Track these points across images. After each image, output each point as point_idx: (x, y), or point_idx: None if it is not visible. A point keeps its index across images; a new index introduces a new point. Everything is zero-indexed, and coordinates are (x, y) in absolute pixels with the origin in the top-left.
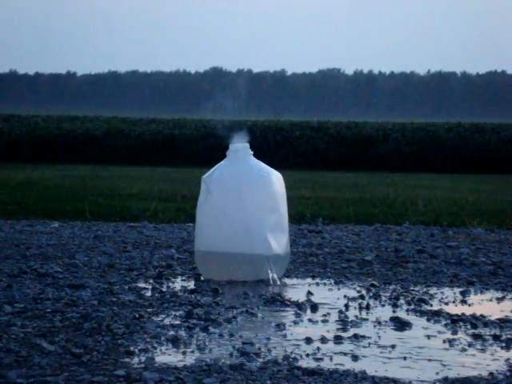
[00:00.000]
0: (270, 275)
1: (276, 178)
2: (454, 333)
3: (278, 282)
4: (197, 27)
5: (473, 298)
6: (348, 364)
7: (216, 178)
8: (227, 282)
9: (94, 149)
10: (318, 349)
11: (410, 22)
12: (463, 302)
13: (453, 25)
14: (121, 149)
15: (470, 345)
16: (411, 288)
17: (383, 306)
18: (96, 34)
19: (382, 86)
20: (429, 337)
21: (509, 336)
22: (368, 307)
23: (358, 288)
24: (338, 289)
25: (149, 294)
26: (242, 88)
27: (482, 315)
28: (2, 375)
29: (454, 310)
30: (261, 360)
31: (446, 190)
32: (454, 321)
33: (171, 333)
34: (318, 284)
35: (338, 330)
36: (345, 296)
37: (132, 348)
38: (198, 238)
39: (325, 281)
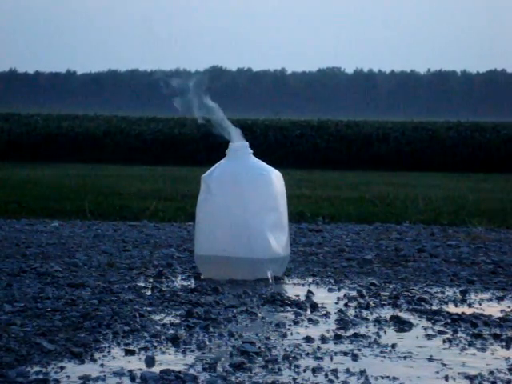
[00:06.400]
0: (269, 275)
1: (276, 177)
2: (454, 332)
3: (274, 282)
4: (196, 26)
5: (473, 297)
6: (348, 363)
7: (216, 177)
8: (227, 282)
9: (94, 148)
10: (318, 348)
11: (409, 20)
12: (463, 301)
13: (453, 23)
14: (121, 148)
15: (470, 344)
16: (411, 287)
17: (383, 305)
18: (96, 32)
19: (381, 85)
20: (429, 336)
21: (509, 335)
22: (368, 306)
23: (358, 287)
24: (338, 288)
25: (149, 293)
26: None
27: (482, 314)
28: (1, 374)
29: (454, 309)
30: (261, 359)
31: (446, 188)
32: (454, 320)
33: (171, 332)
34: (317, 283)
35: (338, 329)
36: (345, 295)
37: (132, 347)
38: (198, 240)
39: (325, 280)
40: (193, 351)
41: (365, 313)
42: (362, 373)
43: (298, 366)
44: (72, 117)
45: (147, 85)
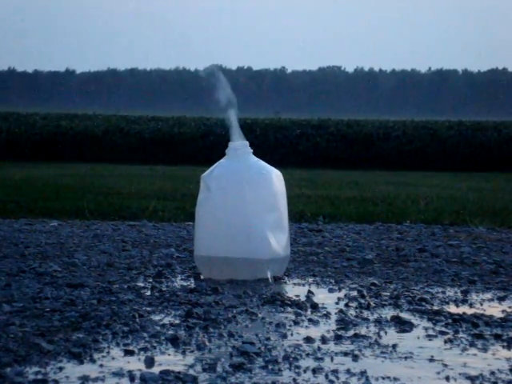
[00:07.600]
0: (269, 275)
1: (276, 176)
2: (455, 332)
3: (274, 282)
4: (196, 25)
5: (474, 297)
6: (349, 364)
7: (215, 177)
8: (227, 282)
9: (93, 147)
10: (319, 348)
11: (410, 19)
12: (464, 301)
13: (454, 22)
14: (120, 147)
15: (471, 344)
16: (412, 287)
17: (384, 305)
18: (95, 31)
19: (382, 84)
20: (430, 336)
21: (510, 335)
22: (368, 307)
23: (359, 287)
24: (339, 288)
25: (148, 293)
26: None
27: (483, 315)
28: (0, 375)
29: (455, 309)
30: (261, 360)
31: (447, 188)
32: (455, 320)
33: (170, 332)
34: (318, 283)
35: (338, 329)
36: (345, 295)
37: (131, 347)
38: (198, 240)
39: (325, 280)
40: (192, 351)
41: (365, 313)
42: (363, 373)
43: (298, 367)
44: (71, 116)
45: (147, 84)
